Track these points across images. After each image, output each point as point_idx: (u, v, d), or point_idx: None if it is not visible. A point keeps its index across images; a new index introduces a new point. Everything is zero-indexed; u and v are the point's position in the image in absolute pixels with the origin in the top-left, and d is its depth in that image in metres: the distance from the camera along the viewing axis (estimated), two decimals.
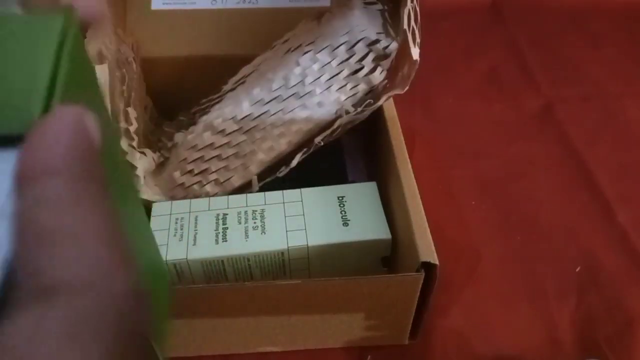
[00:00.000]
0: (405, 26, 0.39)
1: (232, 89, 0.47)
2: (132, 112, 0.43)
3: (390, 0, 0.45)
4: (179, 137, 0.45)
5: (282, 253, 0.39)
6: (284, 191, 0.43)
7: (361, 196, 0.43)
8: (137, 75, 0.49)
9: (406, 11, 0.39)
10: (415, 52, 0.40)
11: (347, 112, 0.42)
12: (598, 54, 0.70)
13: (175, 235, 0.40)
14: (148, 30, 0.52)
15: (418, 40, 0.41)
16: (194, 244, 0.39)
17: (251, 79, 0.46)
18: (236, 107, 0.44)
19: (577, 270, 0.47)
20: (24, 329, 0.12)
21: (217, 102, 0.46)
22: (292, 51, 0.45)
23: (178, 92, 0.52)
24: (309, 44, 0.44)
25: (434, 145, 0.48)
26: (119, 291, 0.13)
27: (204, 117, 0.44)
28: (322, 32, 0.44)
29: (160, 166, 0.45)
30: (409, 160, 0.43)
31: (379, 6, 0.45)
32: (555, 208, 0.52)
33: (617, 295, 0.45)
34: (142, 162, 0.43)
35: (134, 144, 0.42)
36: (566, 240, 0.50)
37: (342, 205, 0.42)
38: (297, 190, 0.43)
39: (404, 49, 0.40)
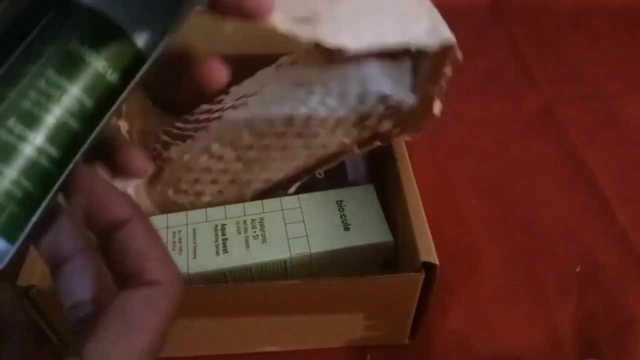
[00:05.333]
0: (430, 85, 0.37)
1: (233, 106, 0.42)
2: (124, 126, 0.41)
3: (416, 58, 0.40)
4: (174, 151, 0.42)
5: (285, 261, 0.39)
6: (282, 198, 0.42)
7: (360, 200, 0.42)
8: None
9: (438, 74, 0.37)
10: (437, 107, 0.38)
11: (352, 150, 0.42)
12: (598, 54, 0.70)
13: (174, 249, 0.39)
14: None
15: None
16: (194, 257, 0.39)
17: (253, 102, 0.42)
18: (236, 134, 0.42)
19: (577, 270, 0.47)
20: (140, 300, 0.21)
21: (217, 119, 0.42)
22: (300, 86, 0.41)
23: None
24: (318, 85, 0.41)
25: (434, 145, 0.48)
26: (181, 285, 0.23)
27: (202, 134, 0.42)
28: (334, 74, 0.41)
29: (153, 178, 0.44)
30: (408, 160, 0.43)
31: (404, 60, 0.40)
32: (555, 208, 0.52)
33: (617, 295, 0.45)
34: None
35: None
36: (566, 240, 0.50)
37: (341, 209, 0.42)
38: (295, 197, 0.43)
39: (424, 104, 0.39)
